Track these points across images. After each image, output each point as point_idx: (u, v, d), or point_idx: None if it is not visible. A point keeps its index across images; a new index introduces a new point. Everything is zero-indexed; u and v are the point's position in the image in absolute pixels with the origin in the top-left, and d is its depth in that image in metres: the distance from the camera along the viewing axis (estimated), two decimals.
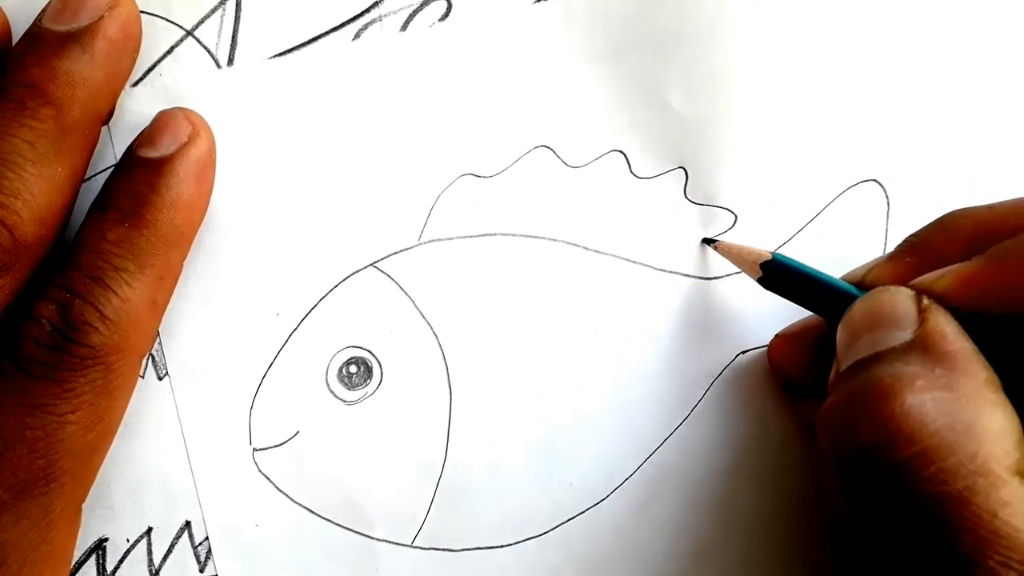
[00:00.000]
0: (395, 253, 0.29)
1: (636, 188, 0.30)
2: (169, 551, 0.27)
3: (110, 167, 0.28)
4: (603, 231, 0.30)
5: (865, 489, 0.21)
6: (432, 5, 0.30)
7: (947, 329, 0.22)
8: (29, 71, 0.26)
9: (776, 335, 0.29)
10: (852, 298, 0.25)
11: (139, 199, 0.26)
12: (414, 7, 0.30)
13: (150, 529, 0.28)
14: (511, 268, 0.29)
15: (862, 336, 0.24)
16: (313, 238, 0.29)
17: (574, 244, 0.30)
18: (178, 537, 0.28)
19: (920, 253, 0.26)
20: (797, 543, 0.29)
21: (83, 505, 0.26)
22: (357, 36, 0.30)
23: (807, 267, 0.27)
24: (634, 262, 0.30)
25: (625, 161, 0.30)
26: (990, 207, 0.26)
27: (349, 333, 0.29)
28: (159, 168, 0.26)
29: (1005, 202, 0.26)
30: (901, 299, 0.24)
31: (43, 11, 0.27)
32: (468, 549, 0.28)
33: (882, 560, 0.21)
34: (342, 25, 0.30)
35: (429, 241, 0.29)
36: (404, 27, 0.30)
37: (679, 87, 0.30)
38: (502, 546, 0.28)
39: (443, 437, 0.29)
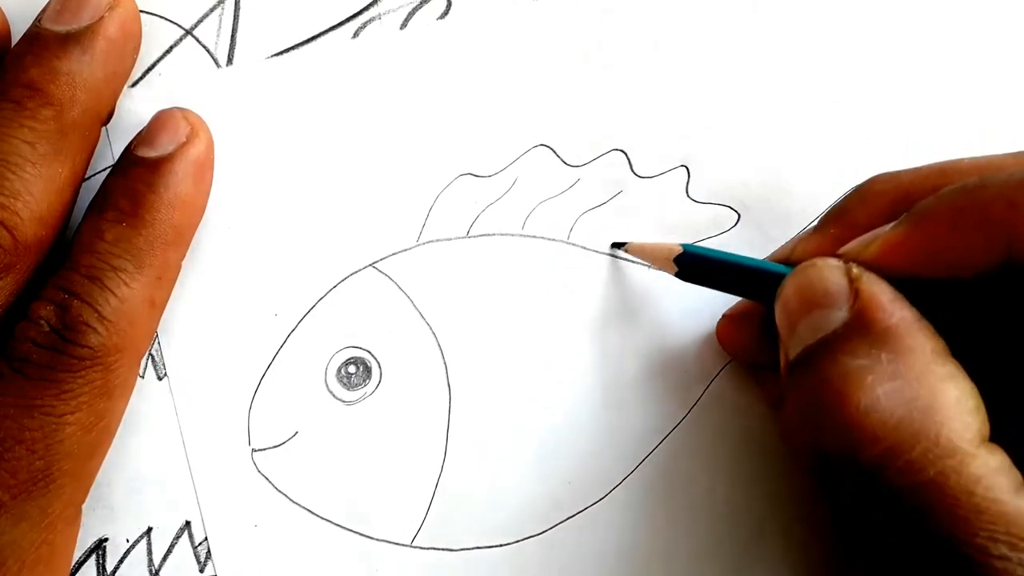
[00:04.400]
0: (394, 254, 0.29)
1: (636, 186, 0.30)
2: (169, 551, 0.28)
3: (109, 167, 0.28)
4: (602, 230, 0.30)
5: (840, 492, 0.21)
6: (431, 3, 0.30)
7: (883, 298, 0.22)
8: (29, 72, 0.26)
9: (723, 315, 0.29)
10: (778, 277, 0.24)
11: (137, 199, 0.26)
12: (413, 5, 0.30)
13: (150, 529, 0.28)
14: (510, 268, 0.29)
15: (800, 321, 0.23)
16: (312, 238, 0.29)
17: (574, 244, 0.30)
18: (178, 537, 0.28)
19: (843, 223, 0.26)
20: (795, 544, 0.29)
21: (83, 506, 0.26)
22: (356, 34, 0.30)
23: (721, 253, 0.27)
24: (634, 262, 0.30)
25: (626, 159, 0.30)
26: (911, 170, 0.25)
27: (348, 333, 0.29)
28: (157, 167, 0.26)
29: (925, 165, 0.25)
30: (830, 272, 0.23)
31: (43, 11, 0.27)
32: (467, 549, 0.28)
33: (871, 558, 0.21)
34: (341, 23, 0.30)
35: (428, 242, 0.29)
36: (403, 25, 0.30)
37: (680, 84, 0.30)
38: (501, 545, 0.28)
39: (442, 437, 0.29)
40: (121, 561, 0.28)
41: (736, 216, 0.30)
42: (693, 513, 0.29)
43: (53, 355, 0.24)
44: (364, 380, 0.29)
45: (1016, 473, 0.20)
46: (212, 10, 0.29)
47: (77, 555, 0.27)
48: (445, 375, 0.29)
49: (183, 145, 0.27)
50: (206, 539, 0.28)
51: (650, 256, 0.28)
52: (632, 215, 0.30)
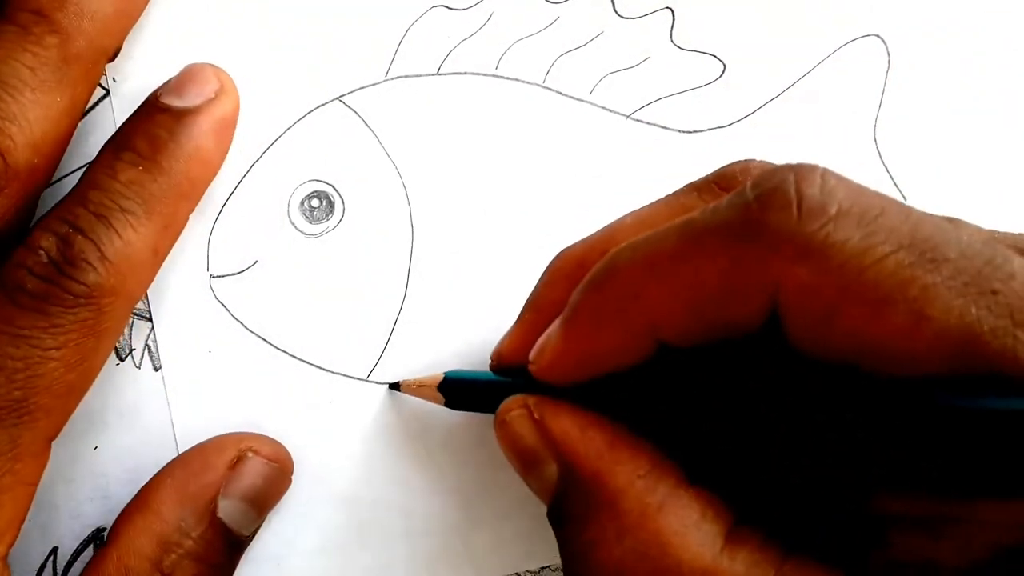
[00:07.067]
0: (362, 88, 0.28)
1: (618, 28, 0.28)
2: None
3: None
4: (579, 74, 0.29)
5: None
6: None
7: (572, 440, 0.22)
8: None
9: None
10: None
11: (157, 145, 0.25)
12: None
13: None
14: (481, 110, 0.28)
15: (528, 482, 0.24)
16: (279, 68, 0.28)
17: (547, 88, 0.29)
18: None
19: (537, 309, 0.25)
20: None
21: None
22: None
23: (480, 375, 0.26)
24: (610, 111, 0.29)
25: None
26: (584, 241, 0.25)
27: (312, 167, 0.28)
28: (182, 117, 0.26)
29: (596, 232, 0.25)
30: (520, 426, 0.24)
31: None
32: None
33: None
34: None
35: (397, 77, 0.28)
36: None
37: None
38: None
39: (403, 275, 0.28)
40: None
41: (722, 67, 0.29)
42: None
43: (48, 287, 0.24)
44: (327, 214, 0.28)
45: (769, 550, 0.20)
46: None
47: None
48: (409, 215, 0.28)
49: (211, 100, 0.26)
50: None
51: (420, 392, 0.27)
52: (611, 59, 0.29)
